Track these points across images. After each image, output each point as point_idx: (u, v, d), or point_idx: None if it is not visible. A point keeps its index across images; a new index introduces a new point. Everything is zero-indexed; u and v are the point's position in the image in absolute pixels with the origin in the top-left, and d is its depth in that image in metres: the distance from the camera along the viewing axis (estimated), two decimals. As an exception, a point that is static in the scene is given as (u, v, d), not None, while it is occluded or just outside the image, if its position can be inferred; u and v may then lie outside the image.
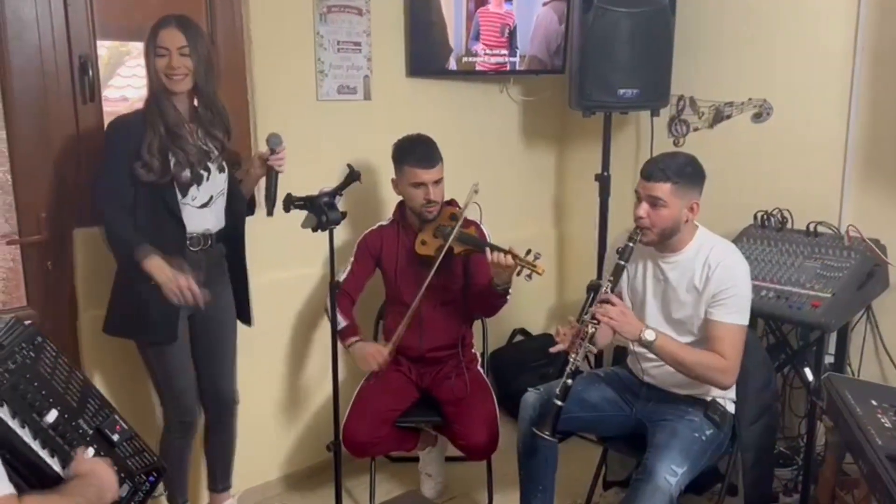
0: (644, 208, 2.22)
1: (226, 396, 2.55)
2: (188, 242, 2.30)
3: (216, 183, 2.33)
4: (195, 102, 2.31)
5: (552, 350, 2.27)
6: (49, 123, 2.37)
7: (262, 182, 2.40)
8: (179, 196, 2.26)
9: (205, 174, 2.28)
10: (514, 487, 2.53)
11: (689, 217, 2.25)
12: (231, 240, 2.43)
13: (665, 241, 2.27)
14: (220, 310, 2.44)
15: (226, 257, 2.45)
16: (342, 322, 2.59)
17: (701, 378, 2.23)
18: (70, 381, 1.61)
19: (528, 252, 2.43)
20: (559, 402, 2.19)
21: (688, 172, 2.22)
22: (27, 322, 1.60)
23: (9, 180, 2.36)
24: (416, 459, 2.97)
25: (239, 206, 2.42)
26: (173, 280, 2.16)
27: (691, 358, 2.20)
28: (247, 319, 2.52)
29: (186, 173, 2.24)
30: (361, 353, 2.61)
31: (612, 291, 2.24)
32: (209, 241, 2.35)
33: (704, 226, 2.35)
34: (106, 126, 2.28)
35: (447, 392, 2.70)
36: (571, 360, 2.19)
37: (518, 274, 2.45)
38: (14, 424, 1.40)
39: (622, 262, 2.25)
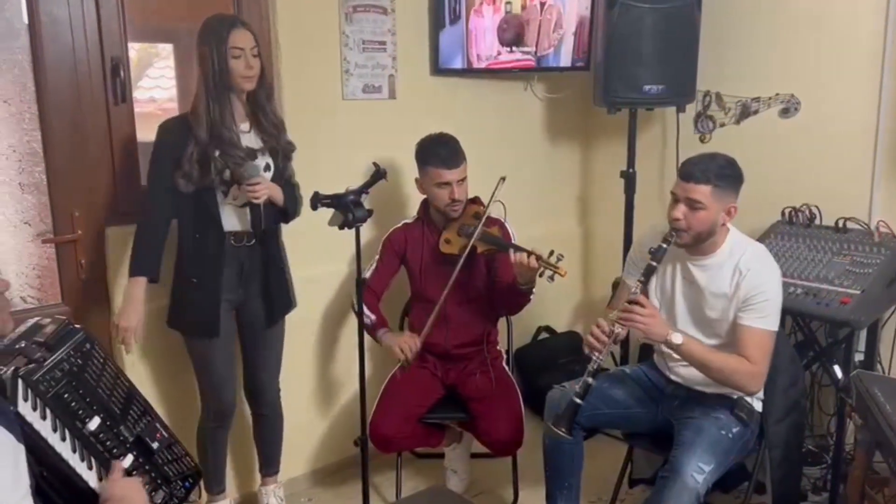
0: (681, 210, 2.18)
1: (267, 392, 2.62)
2: (231, 239, 2.37)
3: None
4: (254, 101, 2.36)
5: (586, 352, 2.22)
6: (82, 124, 2.43)
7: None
8: (221, 197, 2.32)
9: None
10: (540, 484, 2.54)
11: (726, 220, 2.21)
12: (269, 238, 2.46)
13: (699, 243, 2.24)
14: (261, 306, 2.50)
15: (264, 257, 2.47)
16: (370, 317, 2.63)
17: (726, 382, 2.22)
18: (115, 387, 1.64)
19: (552, 253, 2.42)
20: (578, 401, 2.18)
21: (728, 174, 2.18)
22: (77, 326, 1.63)
23: (43, 180, 2.41)
24: (442, 456, 2.99)
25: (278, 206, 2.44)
26: (122, 317, 2.29)
27: (718, 362, 2.18)
28: (271, 320, 2.52)
29: (227, 175, 2.29)
30: (393, 341, 2.60)
31: (643, 292, 2.22)
32: (252, 239, 2.40)
33: (733, 222, 2.33)
34: (156, 130, 2.35)
35: (472, 388, 2.72)
36: (595, 358, 2.17)
37: (540, 275, 2.45)
38: (55, 439, 1.44)
39: (654, 264, 2.21)
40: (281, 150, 2.42)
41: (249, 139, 2.37)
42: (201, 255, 2.35)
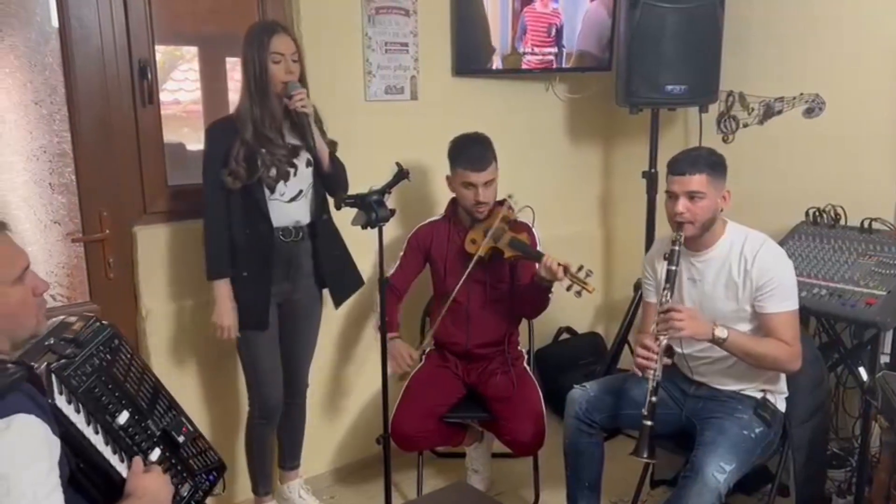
0: (683, 203, 2.22)
1: (300, 382, 2.68)
2: (280, 234, 2.43)
3: (304, 177, 2.45)
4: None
5: (638, 374, 2.20)
6: (111, 125, 2.47)
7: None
8: (268, 193, 2.39)
9: (291, 170, 2.40)
10: (561, 484, 2.54)
11: (723, 206, 2.27)
12: (320, 231, 2.51)
13: (705, 233, 2.26)
14: (307, 300, 2.57)
15: (314, 249, 2.53)
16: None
17: (770, 367, 2.24)
18: (142, 382, 1.67)
19: (581, 268, 2.43)
20: (649, 423, 2.13)
21: (716, 161, 2.27)
22: (105, 322, 1.66)
23: (73, 180, 2.46)
24: (463, 455, 3.00)
25: (325, 197, 2.51)
26: (220, 317, 2.39)
27: (760, 349, 2.19)
28: (339, 300, 2.64)
29: (273, 172, 2.36)
30: (392, 352, 2.61)
31: (671, 299, 2.21)
32: (300, 234, 2.47)
33: (756, 223, 2.34)
34: (205, 131, 2.43)
35: (493, 388, 2.72)
36: (651, 377, 2.15)
37: (567, 289, 2.45)
38: (88, 431, 1.47)
39: (673, 268, 2.23)
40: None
41: (289, 138, 2.43)
42: (252, 250, 2.41)
